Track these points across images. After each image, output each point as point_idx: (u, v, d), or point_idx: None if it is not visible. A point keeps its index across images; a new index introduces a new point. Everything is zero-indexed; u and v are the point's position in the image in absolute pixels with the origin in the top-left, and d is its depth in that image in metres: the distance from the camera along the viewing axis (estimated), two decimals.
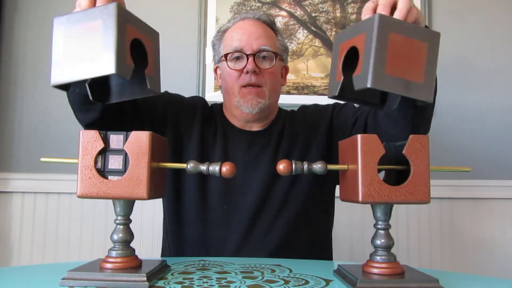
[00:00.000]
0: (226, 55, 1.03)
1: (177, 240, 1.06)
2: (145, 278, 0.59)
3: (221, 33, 1.10)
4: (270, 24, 1.09)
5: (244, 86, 1.02)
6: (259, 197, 1.02)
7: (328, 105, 1.14)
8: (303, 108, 1.17)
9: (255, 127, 1.09)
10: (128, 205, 0.65)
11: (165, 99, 1.08)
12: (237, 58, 1.03)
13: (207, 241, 1.02)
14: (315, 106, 1.16)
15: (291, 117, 1.13)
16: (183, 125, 1.06)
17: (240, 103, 1.02)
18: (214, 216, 1.02)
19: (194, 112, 1.09)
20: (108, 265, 0.63)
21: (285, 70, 1.14)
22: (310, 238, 1.06)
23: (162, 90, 1.86)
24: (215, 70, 1.14)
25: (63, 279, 0.60)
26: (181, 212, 1.05)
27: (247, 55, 1.01)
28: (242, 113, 1.04)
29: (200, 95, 1.69)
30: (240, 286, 0.61)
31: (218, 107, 1.15)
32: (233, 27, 1.08)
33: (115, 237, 0.64)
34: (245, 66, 1.01)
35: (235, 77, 1.03)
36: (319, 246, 1.09)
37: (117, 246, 0.64)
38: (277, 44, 1.08)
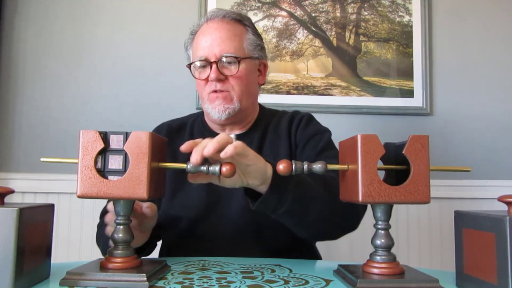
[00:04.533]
0: (190, 65, 1.03)
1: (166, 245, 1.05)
2: (145, 278, 0.59)
3: (193, 35, 1.07)
4: (240, 20, 1.04)
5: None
6: (244, 206, 0.94)
7: (327, 132, 1.07)
8: (300, 116, 1.09)
9: (236, 130, 1.07)
10: (128, 205, 0.65)
11: None
12: (203, 66, 1.01)
13: (195, 254, 0.90)
14: (315, 125, 1.09)
15: (281, 119, 1.08)
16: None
17: (210, 109, 1.01)
18: (201, 227, 1.00)
19: None
20: (108, 265, 0.63)
21: (264, 67, 1.09)
22: (301, 244, 1.02)
23: (160, 97, 1.82)
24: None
25: (63, 279, 0.60)
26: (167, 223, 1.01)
27: (211, 63, 0.99)
28: (215, 118, 1.02)
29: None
30: (240, 286, 0.61)
31: (195, 115, 1.16)
32: (200, 30, 1.04)
33: (115, 237, 0.64)
34: (209, 75, 0.99)
35: (202, 85, 1.02)
36: (307, 250, 1.07)
37: (117, 246, 0.64)
38: (245, 44, 1.02)
